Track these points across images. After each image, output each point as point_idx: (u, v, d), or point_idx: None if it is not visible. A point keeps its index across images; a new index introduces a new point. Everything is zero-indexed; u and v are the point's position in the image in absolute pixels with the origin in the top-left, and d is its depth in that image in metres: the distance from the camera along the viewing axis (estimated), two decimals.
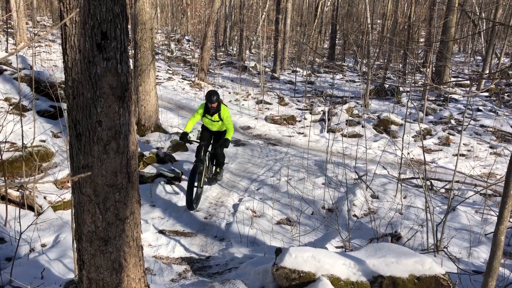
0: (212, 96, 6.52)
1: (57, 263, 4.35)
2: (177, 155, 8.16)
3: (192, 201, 6.22)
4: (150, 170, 7.27)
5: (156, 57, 15.90)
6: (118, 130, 2.53)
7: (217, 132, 7.10)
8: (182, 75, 17.63)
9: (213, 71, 18.20)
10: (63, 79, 8.55)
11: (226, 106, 6.92)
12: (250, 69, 19.85)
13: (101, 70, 2.38)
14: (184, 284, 4.24)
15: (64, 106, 7.69)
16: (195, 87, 15.37)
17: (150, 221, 5.84)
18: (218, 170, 7.37)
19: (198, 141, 6.90)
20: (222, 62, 21.19)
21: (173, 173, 7.25)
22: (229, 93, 15.01)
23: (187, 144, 8.55)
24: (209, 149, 7.07)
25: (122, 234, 2.70)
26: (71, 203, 3.48)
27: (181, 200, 6.52)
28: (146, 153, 7.60)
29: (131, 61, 2.46)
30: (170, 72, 17.75)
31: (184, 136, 6.68)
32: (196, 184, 6.36)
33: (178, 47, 24.82)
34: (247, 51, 25.30)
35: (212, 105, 6.54)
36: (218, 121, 6.85)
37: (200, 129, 7.38)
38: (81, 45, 2.34)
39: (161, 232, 5.63)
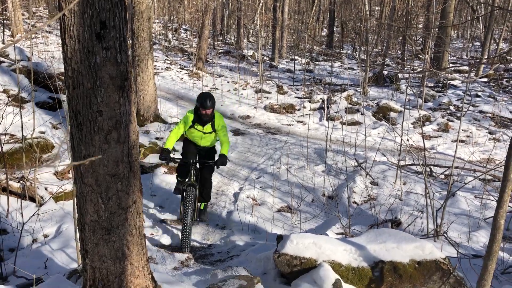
0: (207, 100, 5.10)
1: (60, 253, 4.38)
2: (177, 145, 8.16)
3: (190, 240, 4.98)
4: (150, 160, 7.29)
5: (154, 47, 15.83)
6: (119, 119, 2.53)
7: (205, 148, 5.63)
8: (180, 64, 17.56)
9: (211, 61, 18.14)
10: (62, 70, 8.53)
11: (220, 114, 5.54)
12: (248, 58, 19.78)
13: (100, 59, 2.38)
14: (187, 272, 4.28)
15: (63, 97, 7.68)
16: (193, 77, 15.33)
17: (151, 210, 5.87)
18: (202, 207, 5.76)
19: (185, 160, 5.47)
20: (220, 51, 21.09)
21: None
22: (228, 82, 14.97)
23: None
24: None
25: (125, 223, 2.71)
26: (73, 193, 3.50)
27: None
28: (146, 143, 7.61)
29: (129, 50, 2.44)
30: (168, 62, 17.69)
31: (165, 153, 5.25)
32: (191, 218, 5.07)
33: (176, 37, 24.68)
34: (245, 40, 25.18)
35: (206, 111, 5.14)
36: (210, 133, 5.42)
37: (182, 146, 5.76)
38: (80, 35, 2.33)
39: (163, 221, 5.67)
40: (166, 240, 5.16)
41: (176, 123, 9.11)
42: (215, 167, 5.45)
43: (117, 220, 2.68)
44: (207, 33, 16.46)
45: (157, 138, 8.02)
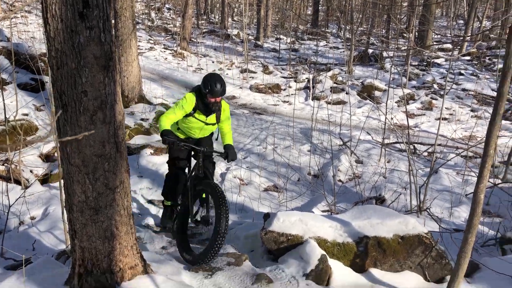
0: (217, 85, 4.02)
1: (48, 234, 4.39)
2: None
3: (211, 252, 3.60)
4: (136, 141, 7.26)
5: (137, 27, 15.58)
6: (104, 100, 2.53)
7: (202, 139, 4.56)
8: (164, 44, 17.33)
9: (195, 40, 17.93)
10: (43, 51, 8.37)
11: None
12: (233, 37, 19.59)
13: (84, 39, 2.36)
14: (175, 251, 4.32)
15: (45, 78, 7.56)
16: (177, 57, 15.16)
17: (138, 191, 5.87)
18: None
19: (194, 147, 4.19)
20: (204, 30, 20.84)
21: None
22: (213, 62, 14.85)
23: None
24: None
25: (113, 203, 2.73)
26: (59, 175, 3.50)
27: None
28: (131, 124, 7.57)
29: (113, 30, 2.37)
30: (152, 42, 17.43)
31: (169, 134, 4.07)
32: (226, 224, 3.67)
33: (159, 16, 24.27)
34: (230, 19, 24.88)
35: (216, 99, 4.09)
36: (213, 125, 4.38)
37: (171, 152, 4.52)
38: (62, 14, 2.30)
39: (150, 202, 5.68)
40: (154, 220, 5.19)
41: (162, 104, 9.02)
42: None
43: (105, 200, 2.70)
44: (190, 12, 16.23)
45: (142, 119, 7.97)
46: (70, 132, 2.53)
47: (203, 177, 4.11)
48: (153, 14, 23.87)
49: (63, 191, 2.92)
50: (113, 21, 8.74)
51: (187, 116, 4.19)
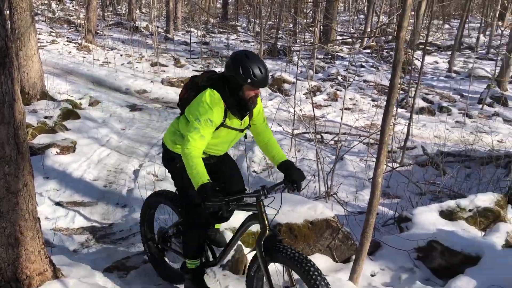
0: (262, 69, 2.69)
1: None
2: (68, 123, 7.73)
3: None
4: (39, 140, 6.84)
5: (36, 19, 14.55)
6: (1, 99, 2.39)
7: (221, 157, 3.22)
8: (67, 37, 16.39)
9: (101, 33, 17.15)
10: None
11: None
12: (142, 29, 19.05)
13: None
14: (88, 253, 4.20)
15: None
16: (83, 50, 14.43)
17: (45, 193, 5.55)
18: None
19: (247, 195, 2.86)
20: (111, 22, 20.00)
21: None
22: (121, 55, 14.36)
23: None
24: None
25: (16, 207, 2.60)
26: None
27: (76, 170, 6.26)
28: (34, 123, 7.12)
29: (8, 23, 2.15)
30: (54, 34, 16.39)
31: (214, 192, 2.53)
32: None
33: (60, 7, 22.83)
34: (137, 11, 24.12)
35: (257, 91, 2.77)
36: (244, 130, 3.00)
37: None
38: None
39: (58, 204, 5.41)
40: (63, 222, 4.96)
41: (67, 101, 8.53)
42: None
43: (7, 205, 2.56)
44: (95, 4, 15.50)
45: (46, 117, 7.51)
46: None
47: (279, 239, 2.66)
48: (53, 5, 22.41)
49: None
50: (8, 13, 8.09)
51: (217, 128, 2.78)
